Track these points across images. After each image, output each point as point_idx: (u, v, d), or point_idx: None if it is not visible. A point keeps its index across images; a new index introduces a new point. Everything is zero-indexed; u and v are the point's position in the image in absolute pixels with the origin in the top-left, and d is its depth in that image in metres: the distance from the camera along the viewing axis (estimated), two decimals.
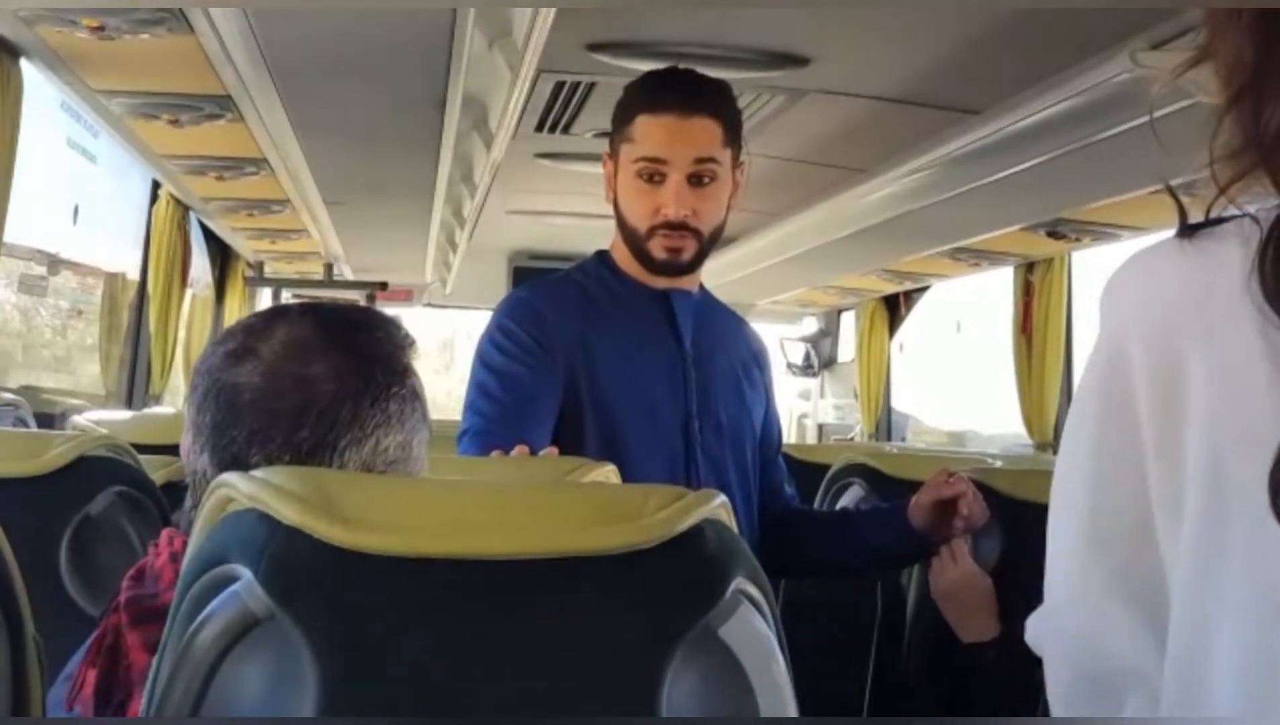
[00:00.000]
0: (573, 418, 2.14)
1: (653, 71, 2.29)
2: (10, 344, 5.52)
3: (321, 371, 1.20)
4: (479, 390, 2.16)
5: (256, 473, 0.95)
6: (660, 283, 2.25)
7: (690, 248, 2.19)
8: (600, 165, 2.29)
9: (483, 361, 2.18)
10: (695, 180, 2.16)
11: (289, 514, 0.90)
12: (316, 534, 0.90)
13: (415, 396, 1.25)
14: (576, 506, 0.97)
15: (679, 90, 2.19)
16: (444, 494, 1.01)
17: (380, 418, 1.20)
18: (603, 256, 2.31)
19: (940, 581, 2.29)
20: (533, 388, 2.13)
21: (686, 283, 2.28)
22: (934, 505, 2.25)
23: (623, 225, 2.23)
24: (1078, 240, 4.44)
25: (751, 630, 0.95)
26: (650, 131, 2.16)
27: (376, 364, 1.22)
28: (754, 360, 2.38)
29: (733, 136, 2.20)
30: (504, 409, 2.10)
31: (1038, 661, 1.05)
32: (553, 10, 2.44)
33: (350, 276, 7.49)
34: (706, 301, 2.35)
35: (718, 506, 0.98)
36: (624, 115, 2.21)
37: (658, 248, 2.19)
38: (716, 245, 2.27)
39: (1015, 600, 2.29)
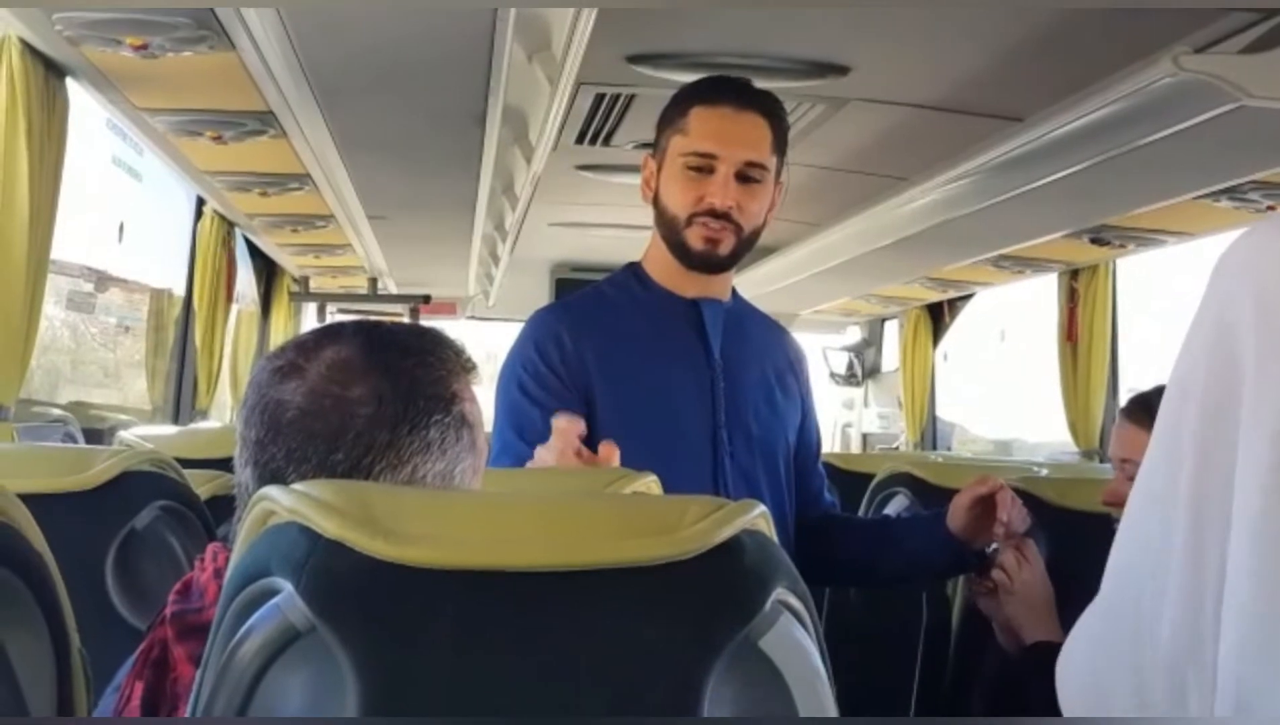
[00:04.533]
0: (598, 434, 2.14)
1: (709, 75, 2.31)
2: (60, 360, 5.57)
3: (361, 394, 1.19)
4: (505, 433, 2.17)
5: (298, 486, 0.95)
6: (690, 291, 2.25)
7: (729, 242, 2.19)
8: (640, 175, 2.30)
9: (507, 397, 2.20)
10: (742, 178, 2.17)
11: (330, 527, 0.90)
12: (357, 547, 0.90)
13: (463, 423, 1.23)
14: (615, 518, 0.97)
15: (735, 86, 2.23)
16: (484, 506, 1.01)
17: (419, 445, 1.19)
18: (633, 267, 2.32)
19: (1014, 582, 2.27)
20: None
21: (717, 291, 2.27)
22: (972, 508, 2.23)
23: (662, 216, 2.23)
24: (1122, 247, 4.42)
25: (792, 641, 0.95)
26: (706, 121, 2.18)
27: (420, 390, 1.21)
28: (789, 368, 2.38)
29: (779, 145, 2.21)
30: (532, 452, 2.10)
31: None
32: (592, 22, 2.45)
33: (394, 290, 7.52)
34: (739, 309, 2.34)
35: (757, 517, 0.97)
36: (677, 109, 2.22)
37: (696, 237, 2.19)
38: (752, 253, 2.27)
39: (1063, 609, 2.28)
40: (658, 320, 2.25)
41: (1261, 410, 0.93)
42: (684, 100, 2.22)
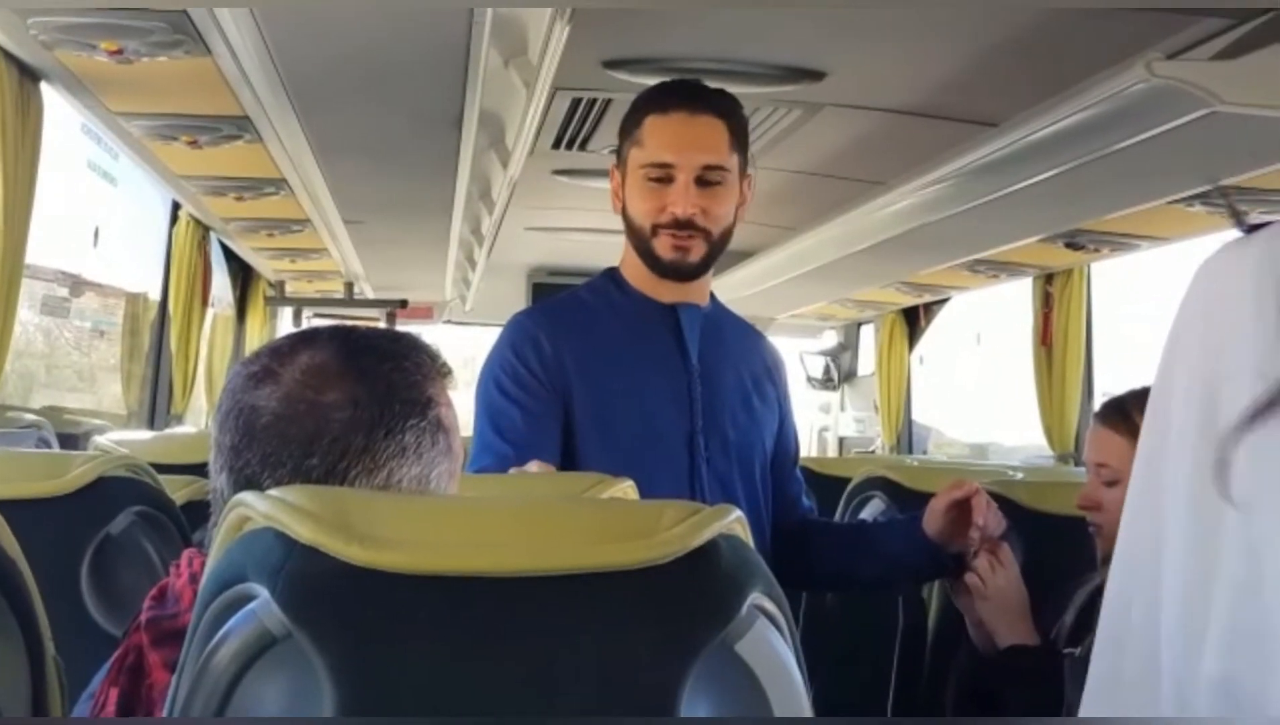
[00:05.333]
0: (576, 439, 2.15)
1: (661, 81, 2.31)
2: (34, 365, 5.55)
3: (336, 399, 1.19)
4: (484, 433, 2.18)
5: (273, 492, 0.95)
6: (667, 297, 2.26)
7: (698, 248, 2.19)
8: None
9: (486, 398, 2.21)
10: (702, 183, 2.17)
11: (305, 532, 0.90)
12: (333, 552, 0.90)
13: (438, 428, 1.23)
14: (591, 523, 0.97)
15: (686, 90, 2.23)
16: (460, 511, 1.01)
17: (394, 449, 1.19)
18: (611, 273, 2.32)
19: (988, 586, 2.28)
20: (536, 427, 2.15)
21: (694, 296, 2.28)
22: (948, 512, 2.24)
23: (630, 229, 2.24)
24: (1096, 251, 4.43)
25: (768, 646, 0.95)
26: (660, 131, 2.18)
27: (395, 394, 1.21)
28: (767, 373, 2.38)
29: (739, 142, 2.21)
30: (513, 450, 2.11)
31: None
32: (568, 27, 2.45)
33: (371, 295, 7.51)
34: (717, 314, 2.34)
35: (733, 521, 0.98)
36: (633, 120, 2.23)
37: (664, 247, 2.19)
38: (727, 258, 2.28)
39: (1038, 611, 2.29)
40: (635, 325, 2.26)
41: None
42: (638, 110, 2.23)
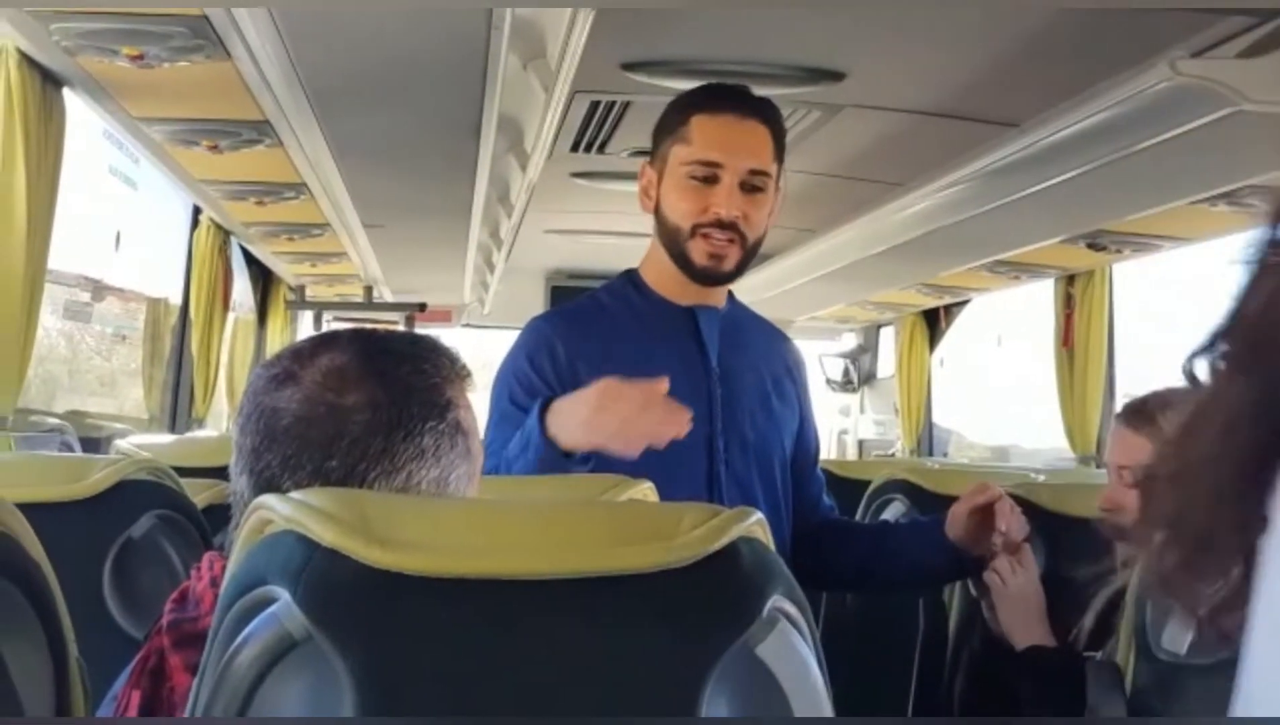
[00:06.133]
0: None
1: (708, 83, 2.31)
2: (56, 369, 5.57)
3: (356, 401, 1.19)
4: (494, 442, 2.15)
5: (294, 494, 0.95)
6: (686, 299, 2.25)
7: (734, 255, 2.18)
8: (638, 183, 2.29)
9: (498, 406, 2.20)
10: (747, 187, 2.17)
11: (326, 535, 0.90)
12: (354, 555, 0.90)
13: (457, 430, 1.23)
14: (611, 526, 0.97)
15: (736, 94, 2.23)
16: (480, 514, 1.01)
17: (413, 452, 1.20)
18: (630, 275, 2.31)
19: (1008, 587, 2.27)
20: None
21: (713, 298, 2.27)
22: (971, 516, 2.23)
23: (664, 228, 2.22)
24: (1118, 252, 4.42)
25: (789, 648, 0.95)
26: (708, 131, 2.17)
27: (414, 397, 1.21)
28: (787, 374, 2.37)
29: (779, 153, 2.21)
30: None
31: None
32: (587, 29, 2.45)
33: (390, 298, 7.52)
34: (736, 315, 2.34)
35: (753, 523, 0.97)
36: (677, 118, 2.21)
37: (699, 251, 2.18)
38: (753, 262, 2.27)
39: (1058, 614, 2.28)
40: (654, 328, 2.25)
41: None
42: (684, 108, 2.22)
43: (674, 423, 1.95)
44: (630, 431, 1.94)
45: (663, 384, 1.95)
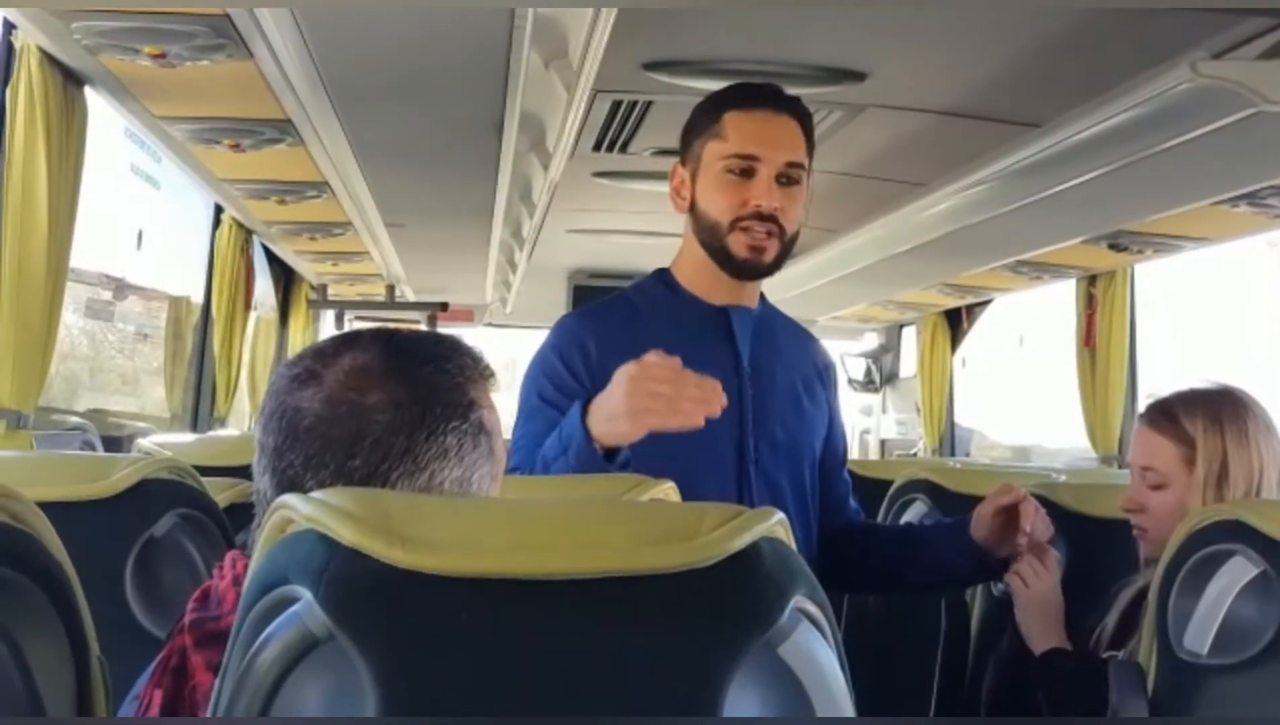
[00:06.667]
0: None
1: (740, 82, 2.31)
2: (79, 368, 5.59)
3: (378, 401, 1.19)
4: (520, 439, 2.16)
5: (316, 494, 0.95)
6: (719, 298, 2.25)
7: (774, 248, 2.19)
8: (659, 183, 2.29)
9: (527, 402, 2.20)
10: (783, 180, 2.17)
11: (348, 534, 0.90)
12: (375, 554, 0.90)
13: (480, 430, 1.22)
14: (633, 526, 0.97)
15: (768, 91, 2.23)
16: (502, 514, 1.00)
17: (436, 452, 1.19)
18: (661, 274, 2.31)
19: (1030, 590, 2.27)
20: None
21: (746, 298, 2.27)
22: (995, 517, 2.23)
23: (702, 224, 2.22)
24: (1140, 252, 4.41)
25: (811, 649, 0.94)
26: (743, 126, 2.18)
27: (437, 396, 1.21)
28: (817, 374, 2.37)
29: (809, 149, 2.22)
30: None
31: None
32: (609, 29, 2.45)
33: (412, 298, 7.54)
34: (768, 316, 2.34)
35: (775, 524, 0.97)
36: (710, 116, 2.22)
37: (739, 244, 2.18)
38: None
39: (1080, 615, 2.27)
40: (685, 327, 2.25)
41: None
42: (717, 106, 2.22)
43: (715, 392, 1.93)
44: (678, 404, 1.93)
45: (675, 358, 1.94)
